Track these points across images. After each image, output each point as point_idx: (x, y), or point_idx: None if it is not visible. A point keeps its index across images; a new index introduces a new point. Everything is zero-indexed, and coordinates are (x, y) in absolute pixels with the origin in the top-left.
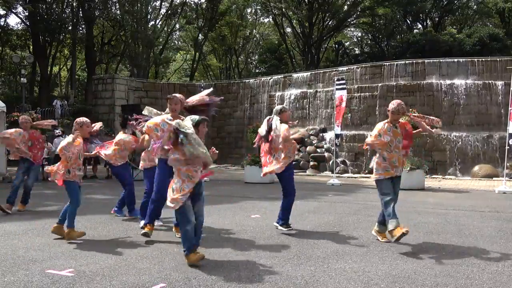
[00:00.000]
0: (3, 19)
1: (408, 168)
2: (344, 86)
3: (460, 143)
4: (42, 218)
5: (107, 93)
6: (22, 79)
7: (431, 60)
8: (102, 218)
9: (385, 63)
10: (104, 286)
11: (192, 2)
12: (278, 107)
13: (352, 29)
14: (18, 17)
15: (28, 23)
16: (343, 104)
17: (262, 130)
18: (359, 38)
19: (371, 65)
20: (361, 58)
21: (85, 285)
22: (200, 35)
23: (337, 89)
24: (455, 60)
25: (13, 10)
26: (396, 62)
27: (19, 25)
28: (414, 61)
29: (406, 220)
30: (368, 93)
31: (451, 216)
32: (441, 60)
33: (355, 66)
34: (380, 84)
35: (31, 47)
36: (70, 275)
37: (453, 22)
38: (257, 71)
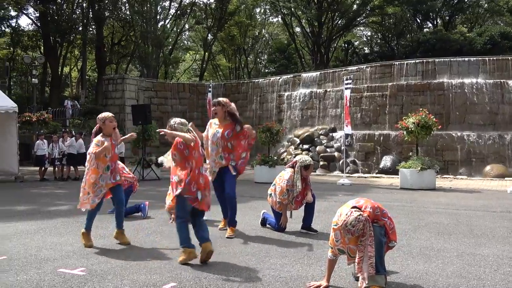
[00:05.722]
0: (14, 20)
1: (419, 168)
2: (350, 85)
3: (471, 142)
4: (54, 217)
5: (117, 93)
6: (33, 79)
7: (442, 59)
8: (113, 217)
9: (395, 63)
10: (115, 285)
11: (201, 2)
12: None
13: (361, 28)
14: (29, 18)
15: (39, 24)
16: (348, 103)
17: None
18: (368, 37)
19: (381, 65)
20: (370, 58)
21: (96, 284)
22: (209, 35)
23: (346, 88)
24: (466, 59)
25: (24, 11)
26: (406, 61)
27: (30, 26)
28: (425, 60)
29: (418, 220)
30: (378, 93)
31: (462, 216)
32: (452, 59)
33: (365, 66)
34: (390, 84)
35: (42, 47)
36: (82, 274)
37: (464, 20)
38: (266, 70)
